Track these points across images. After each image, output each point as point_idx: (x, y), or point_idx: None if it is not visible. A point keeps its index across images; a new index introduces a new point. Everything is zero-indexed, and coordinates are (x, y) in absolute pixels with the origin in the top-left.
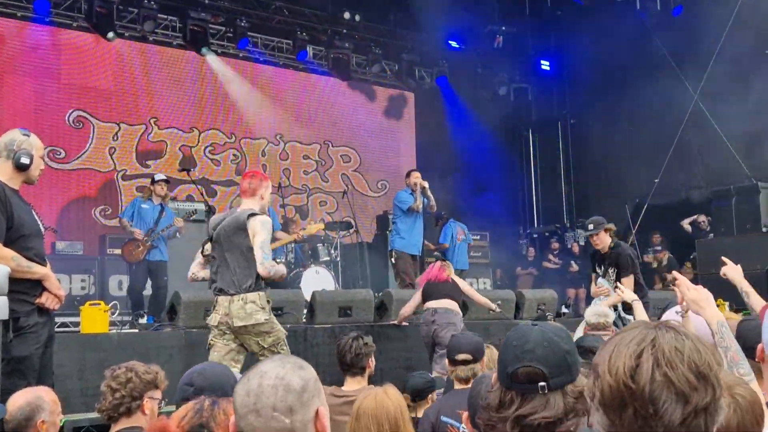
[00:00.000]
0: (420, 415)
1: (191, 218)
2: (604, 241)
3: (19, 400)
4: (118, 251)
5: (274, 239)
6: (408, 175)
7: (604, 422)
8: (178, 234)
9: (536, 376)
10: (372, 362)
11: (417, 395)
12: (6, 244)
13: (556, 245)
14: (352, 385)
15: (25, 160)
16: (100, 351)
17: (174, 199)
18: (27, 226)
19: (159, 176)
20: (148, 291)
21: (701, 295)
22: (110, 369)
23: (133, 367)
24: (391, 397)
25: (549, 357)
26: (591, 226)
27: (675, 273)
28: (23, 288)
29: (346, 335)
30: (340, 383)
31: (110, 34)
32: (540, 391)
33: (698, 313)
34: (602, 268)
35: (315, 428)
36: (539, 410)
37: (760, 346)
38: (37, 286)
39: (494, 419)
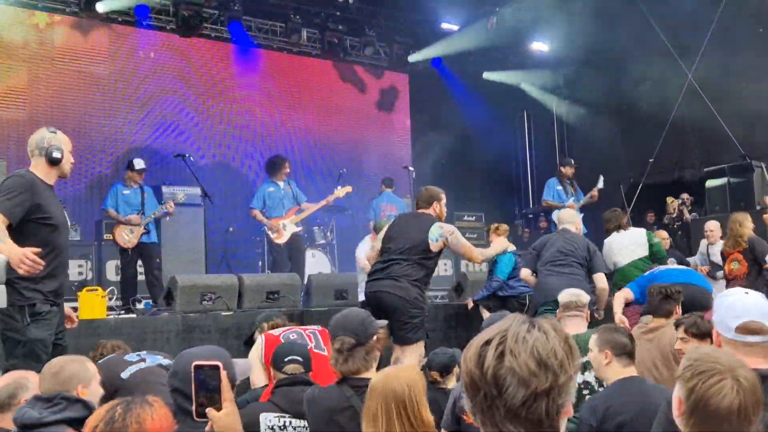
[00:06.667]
0: (450, 386)
1: (180, 202)
2: None
3: (5, 379)
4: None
5: (300, 210)
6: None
7: (467, 403)
8: (167, 217)
9: None
10: None
11: (444, 370)
12: (36, 231)
13: (544, 224)
14: None
15: (57, 155)
16: (97, 336)
17: (171, 184)
18: (56, 219)
19: (140, 165)
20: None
21: None
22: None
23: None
24: (400, 378)
25: None
26: None
27: None
28: (37, 277)
29: None
30: None
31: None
32: None
33: None
34: None
35: None
36: None
37: (714, 330)
38: (52, 278)
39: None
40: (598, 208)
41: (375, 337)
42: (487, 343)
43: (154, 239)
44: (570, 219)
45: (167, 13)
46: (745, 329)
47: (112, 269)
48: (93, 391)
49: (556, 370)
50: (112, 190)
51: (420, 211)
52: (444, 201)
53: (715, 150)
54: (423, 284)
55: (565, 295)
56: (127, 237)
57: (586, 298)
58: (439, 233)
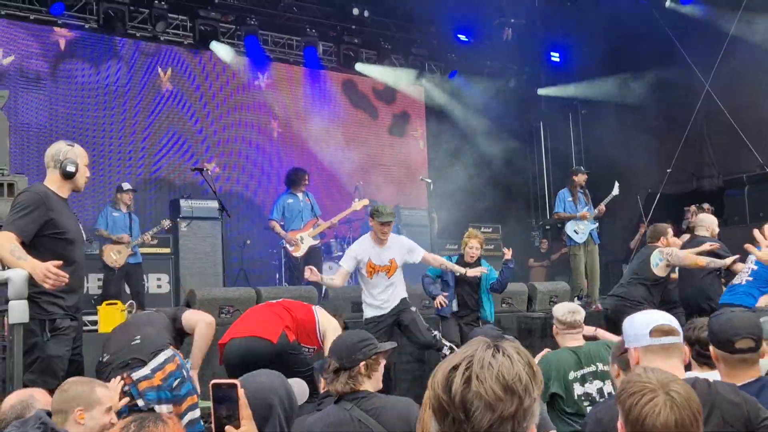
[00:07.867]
0: None
1: (153, 239)
2: None
3: (11, 399)
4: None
5: (318, 222)
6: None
7: (435, 426)
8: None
9: None
10: None
11: None
12: (51, 246)
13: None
14: None
15: (71, 168)
16: None
17: (188, 197)
18: (72, 233)
19: (126, 186)
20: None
21: None
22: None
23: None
24: None
25: None
26: None
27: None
28: (57, 292)
29: None
30: None
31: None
32: None
33: None
34: None
35: None
36: None
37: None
38: (72, 293)
39: None
40: (617, 218)
41: (363, 364)
42: (455, 368)
43: (139, 260)
44: (700, 223)
45: (185, 28)
46: (659, 331)
47: None
48: (94, 416)
49: (521, 395)
50: (103, 212)
51: (649, 244)
52: (671, 234)
53: (733, 160)
54: (639, 302)
55: (565, 314)
56: (114, 257)
57: (582, 313)
58: (659, 258)
